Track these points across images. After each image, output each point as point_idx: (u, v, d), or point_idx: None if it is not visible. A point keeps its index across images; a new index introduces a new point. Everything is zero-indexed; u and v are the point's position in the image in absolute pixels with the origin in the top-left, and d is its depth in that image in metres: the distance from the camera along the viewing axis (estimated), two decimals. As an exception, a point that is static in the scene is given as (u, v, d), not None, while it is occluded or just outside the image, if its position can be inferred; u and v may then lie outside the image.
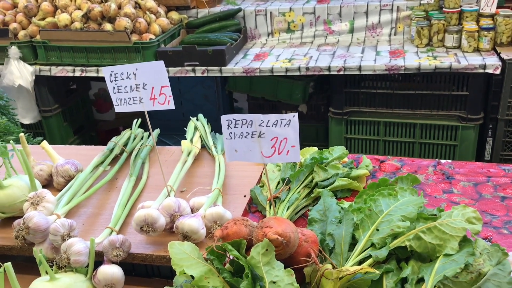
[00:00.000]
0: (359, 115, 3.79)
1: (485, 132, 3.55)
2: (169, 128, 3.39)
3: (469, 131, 3.53)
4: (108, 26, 3.97)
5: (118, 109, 1.72)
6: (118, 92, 1.68)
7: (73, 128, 4.68)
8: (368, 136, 3.82)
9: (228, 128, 1.54)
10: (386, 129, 3.74)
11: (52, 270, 1.55)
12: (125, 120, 4.87)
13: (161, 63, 1.65)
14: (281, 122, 1.50)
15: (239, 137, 1.54)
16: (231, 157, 1.57)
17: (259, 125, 1.51)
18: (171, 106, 1.65)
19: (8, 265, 1.44)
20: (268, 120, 1.50)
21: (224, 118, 1.53)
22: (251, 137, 1.53)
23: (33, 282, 1.54)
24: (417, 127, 3.66)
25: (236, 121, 1.52)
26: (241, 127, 1.53)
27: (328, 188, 1.80)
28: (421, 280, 1.34)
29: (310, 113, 4.32)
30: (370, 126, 3.79)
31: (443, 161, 2.03)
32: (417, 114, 3.64)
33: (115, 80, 1.68)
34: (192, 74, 3.86)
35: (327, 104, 4.15)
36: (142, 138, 2.39)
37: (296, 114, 1.47)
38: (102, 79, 4.30)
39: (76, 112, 4.72)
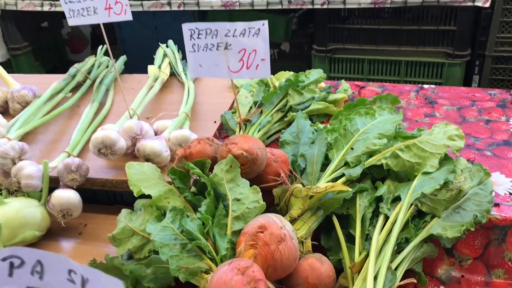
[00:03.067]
0: (343, 52, 3.63)
1: (472, 69, 3.44)
2: (145, 66, 3.21)
3: (455, 68, 3.41)
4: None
5: (71, 22, 1.55)
6: (70, 2, 1.51)
7: (45, 69, 4.45)
8: (352, 75, 3.68)
9: (190, 39, 1.39)
10: (370, 67, 3.60)
11: (1, 195, 1.43)
12: (101, 60, 4.65)
13: (116, -32, 1.47)
14: (250, 31, 1.35)
15: (203, 50, 1.40)
16: (195, 73, 1.43)
17: (225, 35, 1.36)
18: (128, 16, 1.49)
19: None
20: (235, 29, 1.35)
21: (186, 27, 1.37)
22: (217, 49, 1.39)
23: (-19, 207, 1.43)
24: (402, 64, 3.52)
25: (199, 30, 1.37)
26: (206, 38, 1.38)
27: (303, 111, 1.68)
28: (397, 199, 1.25)
29: (293, 52, 4.15)
30: (354, 64, 3.64)
31: (426, 86, 1.91)
32: (402, 51, 3.50)
33: (67, -12, 1.51)
34: (167, 8, 3.63)
35: (310, 42, 3.97)
36: (107, 66, 2.22)
37: (266, 22, 1.32)
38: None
39: (48, 51, 4.48)
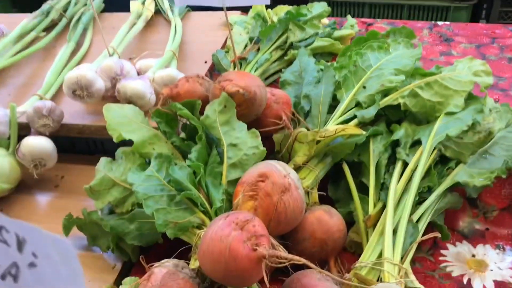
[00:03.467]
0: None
1: (478, 14, 3.23)
2: (128, 4, 2.96)
3: (461, 12, 3.20)
4: None
5: None
6: None
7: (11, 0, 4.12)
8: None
9: (176, -41, 1.18)
10: (371, 11, 3.38)
11: (-37, 143, 1.26)
12: None
13: None
14: None
15: (191, -28, 1.19)
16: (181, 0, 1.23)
17: (217, -47, 1.16)
18: None
19: None
20: None
21: None
22: (207, -29, 1.18)
23: None
24: (405, 9, 3.30)
25: None
26: (194, -43, 1.18)
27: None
28: (417, 143, 1.09)
29: (288, -3, 3.90)
30: (354, 8, 3.41)
31: (440, 23, 1.72)
32: (405, -7, 3.27)
33: None
34: None
35: (307, -14, 3.72)
36: (86, 5, 1.99)
37: None
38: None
39: (26, -2, 4.18)
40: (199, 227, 0.94)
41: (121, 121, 1.12)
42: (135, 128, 1.11)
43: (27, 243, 0.37)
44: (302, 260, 0.72)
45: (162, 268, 0.82)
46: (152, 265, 0.85)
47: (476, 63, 1.19)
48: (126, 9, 1.91)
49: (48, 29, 1.84)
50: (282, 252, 0.76)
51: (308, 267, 0.77)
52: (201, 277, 0.87)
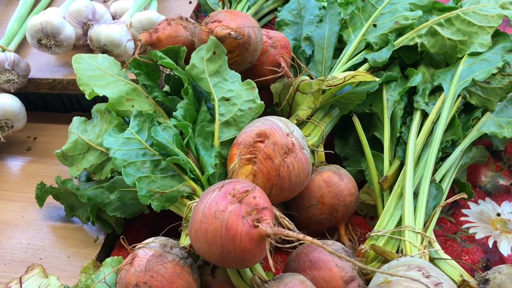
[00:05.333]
0: None
1: None
2: None
3: None
4: None
5: None
6: None
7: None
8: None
9: None
10: None
11: None
12: None
13: None
14: None
15: None
16: None
17: None
18: None
19: None
20: None
21: None
22: None
23: None
24: None
25: None
26: None
27: (303, -16, 1.31)
28: (437, 90, 0.95)
29: None
30: None
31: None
32: None
33: None
34: None
35: None
36: None
37: None
38: None
39: None
40: (190, 197, 0.81)
41: (94, 75, 0.96)
42: (110, 82, 0.96)
43: None
44: (315, 241, 0.59)
45: (147, 250, 0.70)
46: (135, 246, 0.72)
47: (503, -6, 1.03)
48: None
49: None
50: (288, 229, 0.63)
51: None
52: (194, 255, 0.75)
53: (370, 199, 0.95)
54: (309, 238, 0.60)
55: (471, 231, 0.93)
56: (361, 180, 0.97)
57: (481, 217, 0.95)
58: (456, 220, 0.95)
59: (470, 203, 0.98)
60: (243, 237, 0.65)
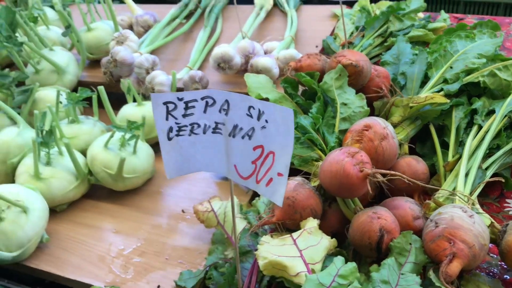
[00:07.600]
0: (437, -7, 3.57)
1: None
2: None
3: (559, 11, 3.26)
4: None
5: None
6: None
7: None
8: (444, 17, 3.63)
9: None
10: (465, 8, 3.53)
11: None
12: None
13: None
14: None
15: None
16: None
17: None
18: None
19: (101, 88, 1.59)
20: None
21: None
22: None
23: (123, 107, 1.71)
24: (501, 7, 3.42)
25: None
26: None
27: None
28: (491, 113, 1.36)
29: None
30: (448, 5, 3.58)
31: (527, 18, 1.93)
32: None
33: None
34: None
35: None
36: (215, -3, 2.42)
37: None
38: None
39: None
40: (317, 160, 1.29)
41: (258, 86, 1.50)
42: (268, 91, 1.49)
43: (264, 115, 0.73)
44: (397, 174, 1.04)
45: (293, 181, 1.18)
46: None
47: (551, 51, 1.43)
48: (244, 2, 2.30)
49: (186, 17, 2.28)
50: (381, 170, 1.09)
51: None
52: (319, 193, 1.22)
53: (438, 184, 1.36)
54: (394, 172, 1.05)
55: (511, 212, 1.31)
56: (433, 172, 1.39)
57: (521, 205, 1.32)
58: (501, 205, 1.33)
59: (513, 195, 1.36)
60: (353, 176, 1.10)
